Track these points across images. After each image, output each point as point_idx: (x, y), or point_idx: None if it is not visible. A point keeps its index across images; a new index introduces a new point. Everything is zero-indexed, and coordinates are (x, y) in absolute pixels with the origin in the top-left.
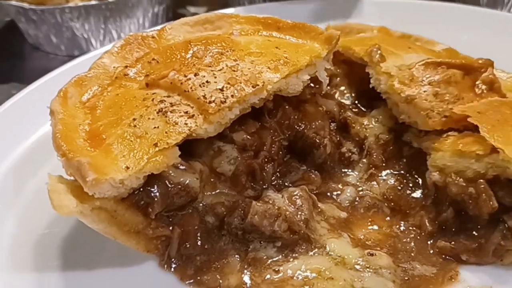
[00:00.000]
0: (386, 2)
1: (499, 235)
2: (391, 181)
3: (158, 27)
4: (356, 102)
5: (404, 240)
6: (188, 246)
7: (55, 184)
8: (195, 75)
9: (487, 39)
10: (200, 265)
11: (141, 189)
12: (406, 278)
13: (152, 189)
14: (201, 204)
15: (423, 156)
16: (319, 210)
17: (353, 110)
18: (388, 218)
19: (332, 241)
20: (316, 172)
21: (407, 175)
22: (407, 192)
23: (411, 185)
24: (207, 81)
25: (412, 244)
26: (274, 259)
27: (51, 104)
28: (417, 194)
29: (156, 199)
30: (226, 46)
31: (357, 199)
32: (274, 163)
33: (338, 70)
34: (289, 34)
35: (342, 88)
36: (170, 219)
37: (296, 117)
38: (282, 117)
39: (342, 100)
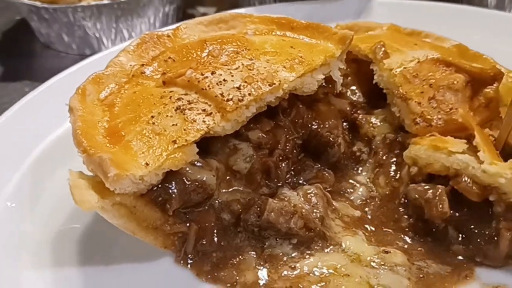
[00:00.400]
0: (396, 3)
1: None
2: None
3: (173, 26)
4: (366, 100)
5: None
6: (204, 242)
7: (76, 180)
8: (212, 73)
9: (495, 41)
10: (216, 262)
11: (160, 186)
12: (421, 275)
13: (170, 186)
14: (217, 201)
15: None
16: (333, 208)
17: (364, 109)
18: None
19: (347, 239)
20: (329, 170)
21: None
22: None
23: None
24: (224, 80)
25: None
26: (290, 255)
27: (70, 101)
28: None
29: (174, 195)
30: (242, 45)
31: (369, 198)
32: (288, 161)
33: (348, 69)
34: (303, 34)
35: (353, 87)
36: (187, 216)
37: (309, 116)
38: (296, 116)
39: (354, 99)
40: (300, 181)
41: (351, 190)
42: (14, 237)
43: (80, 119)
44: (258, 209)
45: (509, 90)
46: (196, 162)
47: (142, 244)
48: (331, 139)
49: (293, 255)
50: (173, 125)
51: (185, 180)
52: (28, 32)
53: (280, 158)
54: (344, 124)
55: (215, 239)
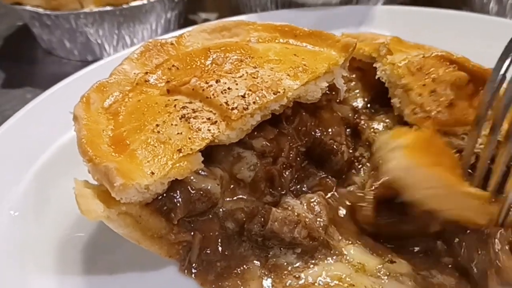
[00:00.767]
0: (398, 10)
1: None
2: None
3: (176, 33)
4: (369, 105)
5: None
6: (208, 251)
7: (81, 189)
8: (217, 81)
9: (496, 46)
10: (220, 271)
11: (164, 195)
12: (426, 286)
13: (175, 195)
14: (221, 210)
15: None
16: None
17: (366, 114)
18: None
19: (351, 248)
20: (333, 178)
21: None
22: None
23: None
24: (228, 88)
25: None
26: (295, 265)
27: (74, 110)
28: None
29: (178, 204)
30: (245, 53)
31: None
32: (292, 169)
33: (353, 75)
34: (306, 41)
35: (356, 91)
36: (192, 225)
37: (313, 123)
38: (299, 124)
39: (355, 104)
40: (304, 189)
41: None
42: (19, 245)
43: (85, 127)
44: (262, 218)
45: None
46: (200, 171)
47: (147, 253)
48: (334, 147)
49: (297, 264)
50: (178, 133)
51: (189, 189)
52: (29, 38)
53: (284, 166)
54: (347, 130)
55: (220, 248)
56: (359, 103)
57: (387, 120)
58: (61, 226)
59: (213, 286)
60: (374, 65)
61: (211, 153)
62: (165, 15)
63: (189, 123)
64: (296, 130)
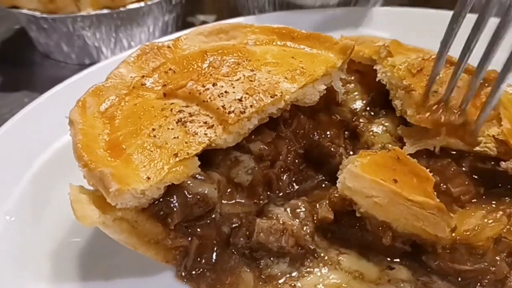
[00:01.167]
0: (396, 11)
1: None
2: None
3: (173, 36)
4: (367, 108)
5: None
6: (204, 257)
7: (77, 195)
8: (213, 85)
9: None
10: (213, 283)
11: (161, 200)
12: None
13: (172, 200)
14: (218, 214)
15: None
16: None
17: (365, 117)
18: None
19: (345, 256)
20: (329, 183)
21: None
22: None
23: None
24: (225, 91)
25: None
26: (290, 275)
27: (70, 114)
28: None
29: (175, 209)
30: (242, 56)
31: None
32: (290, 172)
33: (352, 78)
34: (304, 44)
35: (355, 93)
36: (189, 230)
37: (311, 126)
38: (297, 127)
39: (354, 106)
40: (300, 191)
41: None
42: (15, 251)
43: (80, 132)
44: (247, 231)
45: (508, 102)
46: (197, 175)
47: (143, 259)
48: (332, 149)
49: (293, 274)
50: (174, 138)
51: (186, 194)
52: (27, 42)
53: (282, 169)
54: (345, 132)
55: (215, 255)
56: (358, 105)
57: (386, 123)
58: (57, 232)
59: None
60: (374, 68)
61: (208, 157)
62: (163, 18)
63: (185, 127)
64: (294, 133)
